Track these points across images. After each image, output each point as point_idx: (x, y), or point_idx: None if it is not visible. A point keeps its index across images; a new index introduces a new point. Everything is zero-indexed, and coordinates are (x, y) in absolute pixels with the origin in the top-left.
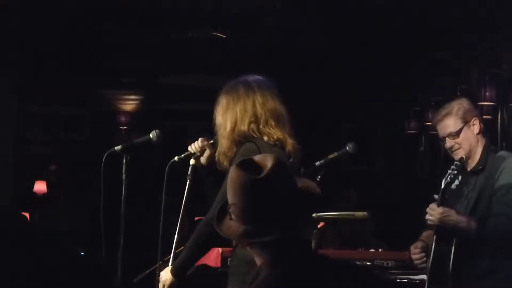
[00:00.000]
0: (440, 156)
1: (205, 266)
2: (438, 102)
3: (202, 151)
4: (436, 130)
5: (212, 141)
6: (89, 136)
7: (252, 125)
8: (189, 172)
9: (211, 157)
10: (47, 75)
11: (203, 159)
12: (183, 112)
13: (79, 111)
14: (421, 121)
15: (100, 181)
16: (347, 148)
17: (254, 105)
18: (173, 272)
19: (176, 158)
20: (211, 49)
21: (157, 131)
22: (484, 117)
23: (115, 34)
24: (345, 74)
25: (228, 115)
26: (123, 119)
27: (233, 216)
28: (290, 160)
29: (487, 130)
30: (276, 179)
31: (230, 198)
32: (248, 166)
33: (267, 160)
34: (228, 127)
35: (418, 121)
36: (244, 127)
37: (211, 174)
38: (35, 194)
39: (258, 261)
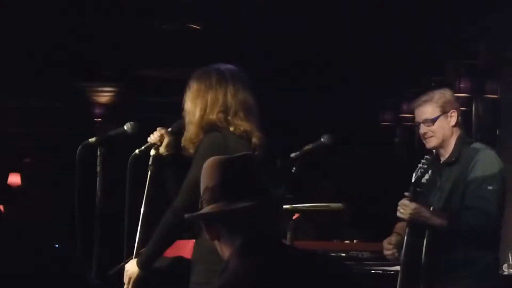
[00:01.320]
0: (414, 148)
1: (181, 258)
2: (413, 93)
3: (161, 140)
4: (411, 122)
5: (170, 128)
6: (64, 129)
7: (221, 115)
8: (150, 163)
9: (169, 146)
10: (22, 67)
11: (162, 148)
12: (159, 104)
13: (54, 103)
14: (396, 113)
15: (75, 173)
16: (322, 139)
17: (225, 94)
18: (139, 264)
19: (137, 151)
20: (187, 41)
21: (131, 123)
22: None
23: (91, 26)
24: (321, 66)
25: (198, 102)
26: (98, 111)
27: (204, 203)
28: (256, 152)
29: (462, 122)
30: (242, 160)
31: (203, 184)
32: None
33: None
34: (197, 114)
35: (393, 113)
36: (213, 116)
37: (172, 164)
38: (9, 186)
39: (226, 252)
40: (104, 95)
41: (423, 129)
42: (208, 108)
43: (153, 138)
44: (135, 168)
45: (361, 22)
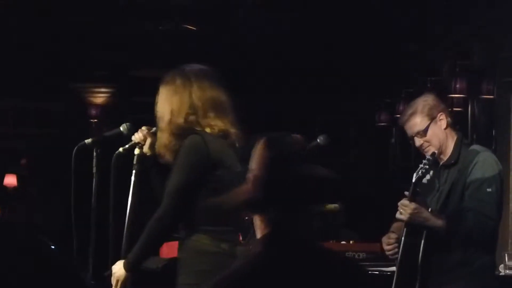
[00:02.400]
0: (410, 148)
1: (176, 259)
2: (408, 94)
3: (145, 140)
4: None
5: (154, 128)
6: (60, 130)
7: (191, 117)
8: (134, 162)
9: (153, 146)
10: (17, 68)
11: (145, 148)
12: (154, 105)
13: (50, 104)
14: (392, 113)
15: (71, 175)
16: (318, 140)
17: (190, 96)
18: (126, 267)
19: (121, 149)
20: (181, 42)
21: (127, 124)
22: (454, 109)
23: (86, 27)
24: (316, 66)
25: (165, 107)
26: (93, 112)
27: (248, 183)
28: (235, 148)
29: (457, 122)
30: (292, 160)
31: (255, 163)
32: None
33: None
34: (166, 120)
35: (389, 114)
36: (180, 120)
37: (156, 164)
38: (5, 188)
39: (258, 233)
40: (100, 96)
41: (418, 141)
42: (175, 112)
43: (137, 137)
44: (118, 166)
45: (357, 23)
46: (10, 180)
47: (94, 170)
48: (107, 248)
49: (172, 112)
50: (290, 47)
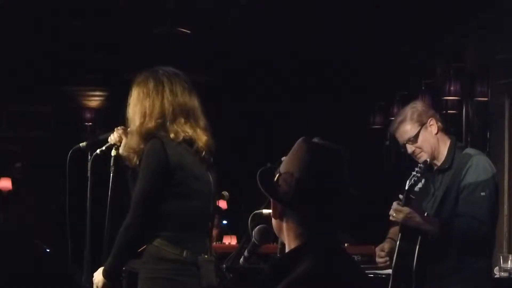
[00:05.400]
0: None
1: None
2: (403, 96)
3: (120, 140)
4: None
5: (129, 128)
6: (54, 133)
7: (159, 121)
8: (111, 164)
9: None
10: (12, 71)
11: (121, 149)
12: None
13: (44, 108)
14: (386, 115)
15: (65, 178)
16: None
17: (162, 101)
18: (104, 274)
19: (98, 150)
20: (176, 45)
21: (122, 127)
22: (449, 111)
23: (80, 30)
24: (310, 69)
25: (137, 110)
26: (88, 115)
27: (282, 183)
28: (201, 156)
29: (452, 125)
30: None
31: (288, 164)
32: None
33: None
34: (137, 123)
35: (383, 116)
36: (151, 124)
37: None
38: (0, 191)
39: (287, 235)
40: (94, 99)
41: (409, 148)
42: (147, 116)
43: (113, 138)
44: (96, 168)
45: (352, 25)
46: (5, 183)
47: (89, 173)
48: (101, 250)
49: (143, 115)
50: (285, 50)
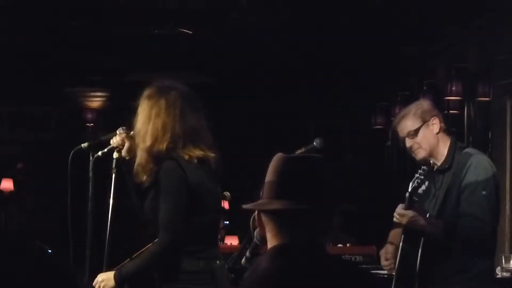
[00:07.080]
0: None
1: None
2: (404, 97)
3: (123, 144)
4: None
5: (132, 132)
6: (55, 134)
7: (171, 145)
8: (113, 166)
9: (131, 149)
10: (13, 73)
11: (123, 152)
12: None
13: (46, 109)
14: (387, 116)
15: (67, 179)
16: (315, 143)
17: (173, 126)
18: (116, 278)
19: (99, 153)
20: (176, 45)
21: (123, 127)
22: (450, 111)
23: (80, 31)
24: (312, 69)
25: (149, 129)
26: (89, 116)
27: (263, 195)
28: (212, 172)
29: (453, 125)
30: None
31: (268, 177)
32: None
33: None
34: (148, 142)
35: (384, 116)
36: (162, 146)
37: (132, 169)
38: (2, 192)
39: (269, 244)
40: (95, 100)
41: (408, 142)
42: (158, 137)
43: (115, 141)
44: (96, 170)
45: (353, 26)
46: (7, 184)
47: (90, 174)
48: (103, 252)
49: (154, 137)
50: (286, 50)
